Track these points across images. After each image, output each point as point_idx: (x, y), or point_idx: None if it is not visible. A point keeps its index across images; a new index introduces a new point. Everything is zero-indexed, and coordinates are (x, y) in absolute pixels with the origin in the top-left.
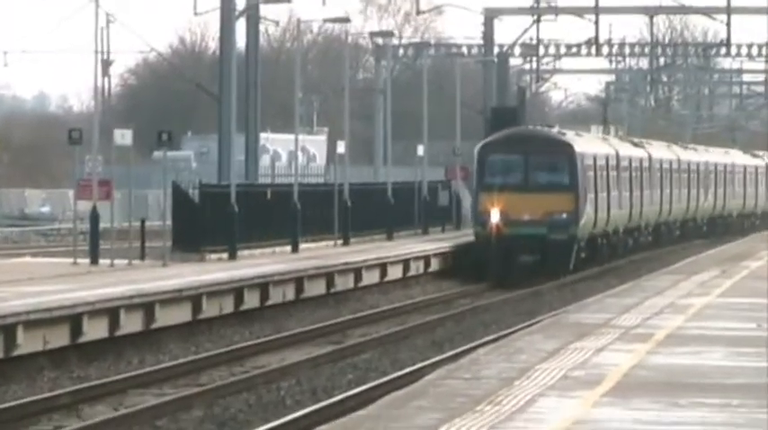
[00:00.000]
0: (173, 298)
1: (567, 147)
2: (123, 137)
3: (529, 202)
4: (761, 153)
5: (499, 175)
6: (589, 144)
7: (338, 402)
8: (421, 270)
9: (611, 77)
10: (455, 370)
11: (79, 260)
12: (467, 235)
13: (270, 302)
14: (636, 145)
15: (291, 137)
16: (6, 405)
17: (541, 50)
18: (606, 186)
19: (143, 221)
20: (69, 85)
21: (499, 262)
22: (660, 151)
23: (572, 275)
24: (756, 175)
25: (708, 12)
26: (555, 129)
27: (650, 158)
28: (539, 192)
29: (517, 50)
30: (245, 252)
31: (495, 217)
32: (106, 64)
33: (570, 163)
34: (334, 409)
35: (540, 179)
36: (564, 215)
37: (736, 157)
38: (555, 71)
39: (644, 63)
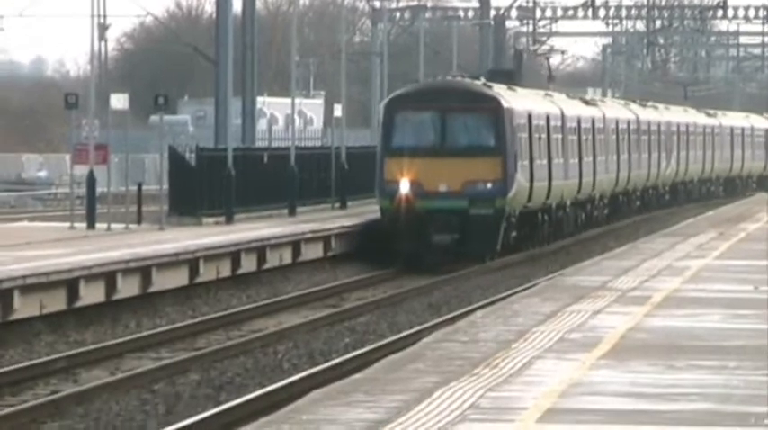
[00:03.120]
0: (170, 262)
1: (492, 102)
2: (120, 101)
3: (445, 169)
4: (713, 112)
5: (409, 137)
6: (523, 100)
7: (335, 365)
8: None
9: (608, 40)
10: (452, 333)
11: (76, 224)
12: None
13: (267, 266)
14: (588, 103)
15: (288, 100)
16: (4, 369)
17: (538, 13)
18: (546, 151)
19: (140, 186)
20: (66, 50)
21: (410, 242)
22: (616, 110)
23: (500, 259)
24: (713, 137)
25: None
26: (479, 81)
27: (604, 118)
28: (457, 156)
29: (514, 13)
30: (242, 215)
31: (404, 187)
32: (103, 28)
33: (496, 121)
34: (332, 373)
35: (458, 141)
36: (488, 185)
37: (696, 117)
38: (552, 34)
39: (641, 26)
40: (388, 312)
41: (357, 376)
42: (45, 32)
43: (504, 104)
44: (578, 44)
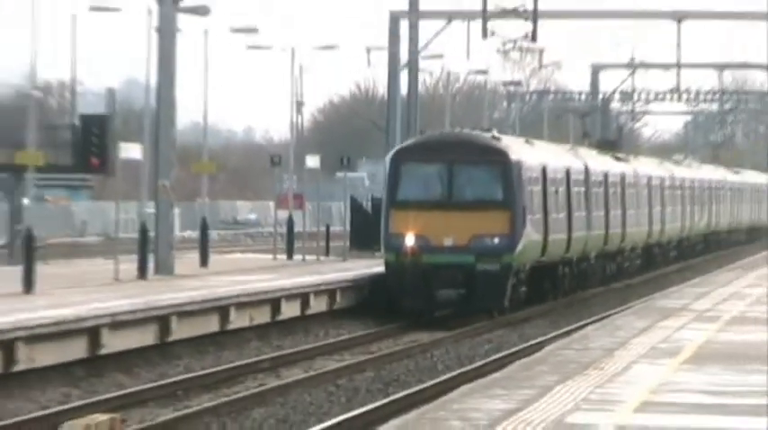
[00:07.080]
0: (350, 286)
1: (500, 155)
2: (313, 161)
3: (452, 223)
4: (738, 170)
5: (415, 189)
6: (538, 153)
7: (478, 367)
8: None
9: (689, 118)
10: (569, 343)
11: (278, 256)
12: None
13: None
14: (619, 159)
15: None
16: (221, 367)
17: (635, 96)
18: (565, 204)
19: (328, 227)
20: (271, 121)
21: (414, 297)
22: (649, 167)
23: (515, 313)
24: (741, 193)
25: (766, 67)
26: (488, 134)
27: (635, 174)
28: (464, 210)
29: (617, 96)
30: None
31: (409, 241)
32: (299, 104)
33: (504, 174)
34: (476, 372)
35: (465, 194)
36: (495, 239)
37: (725, 175)
38: (646, 112)
39: (715, 107)
40: (518, 327)
41: (496, 375)
42: (255, 107)
43: (513, 157)
44: (666, 121)
